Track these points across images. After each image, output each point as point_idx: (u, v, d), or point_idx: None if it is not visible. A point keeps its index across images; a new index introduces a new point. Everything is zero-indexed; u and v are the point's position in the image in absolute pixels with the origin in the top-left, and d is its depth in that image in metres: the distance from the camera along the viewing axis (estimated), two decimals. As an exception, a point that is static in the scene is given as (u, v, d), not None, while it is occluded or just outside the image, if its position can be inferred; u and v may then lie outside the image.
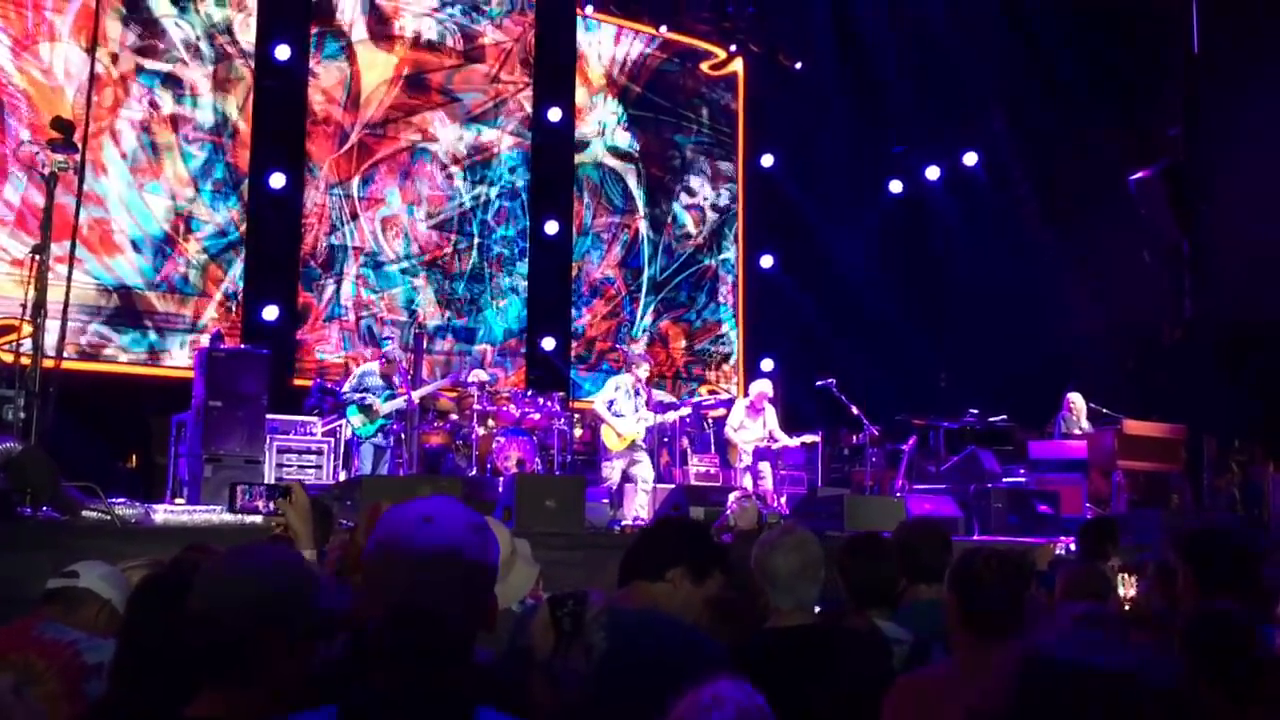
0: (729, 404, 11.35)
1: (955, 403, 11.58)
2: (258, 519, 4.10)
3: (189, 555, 3.06)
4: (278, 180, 11.79)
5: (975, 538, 8.77)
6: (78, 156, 7.40)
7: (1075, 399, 10.84)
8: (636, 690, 2.23)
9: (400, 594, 1.61)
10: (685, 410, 11.18)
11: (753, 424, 10.34)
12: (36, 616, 2.96)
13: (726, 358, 15.15)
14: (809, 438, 10.78)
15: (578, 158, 14.24)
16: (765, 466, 10.39)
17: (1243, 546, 3.11)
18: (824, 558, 2.98)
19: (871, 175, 15.07)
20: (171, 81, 11.45)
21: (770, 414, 10.43)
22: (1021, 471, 10.91)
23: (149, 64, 11.34)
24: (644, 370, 10.03)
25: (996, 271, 13.31)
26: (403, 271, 12.74)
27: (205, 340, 10.32)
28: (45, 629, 2.85)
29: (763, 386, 10.54)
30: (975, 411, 11.17)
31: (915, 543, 3.46)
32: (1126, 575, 3.47)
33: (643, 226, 14.64)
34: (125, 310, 11.07)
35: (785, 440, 10.43)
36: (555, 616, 2.08)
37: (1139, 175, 12.32)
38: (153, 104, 11.33)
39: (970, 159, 14.42)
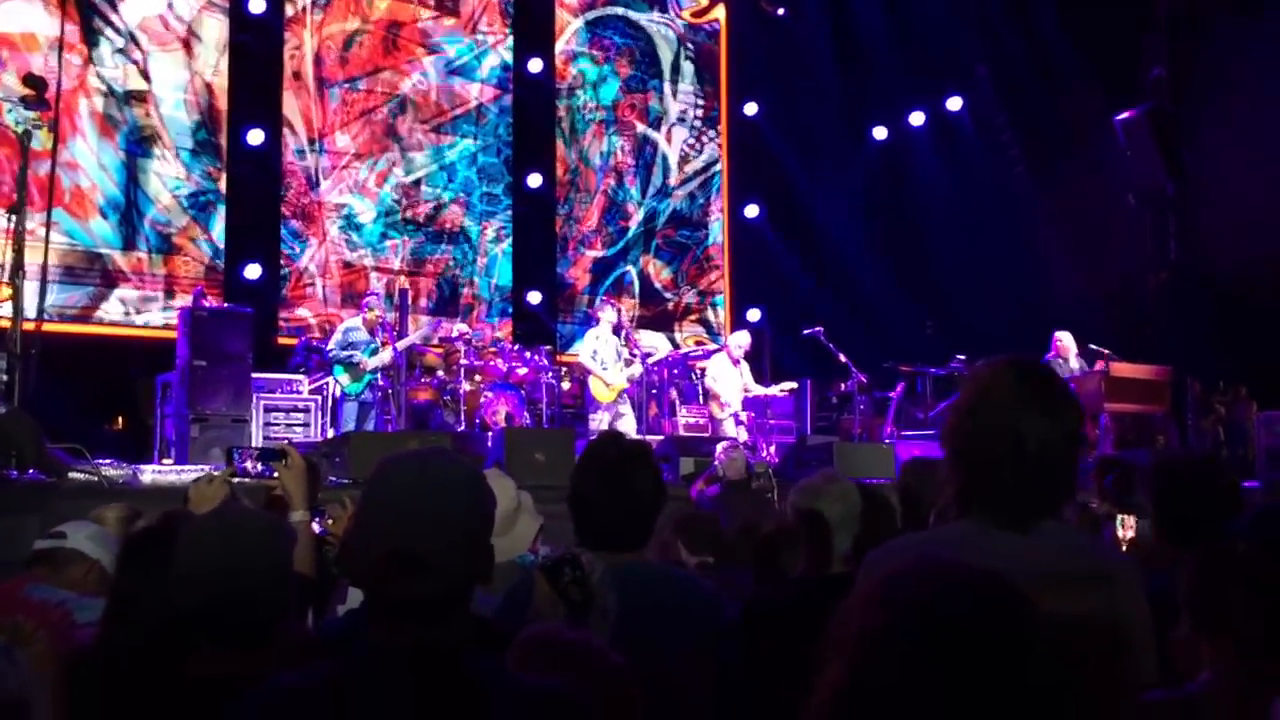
0: (714, 354, 11.36)
1: (942, 349, 11.57)
2: (249, 480, 4.09)
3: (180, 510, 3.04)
4: (256, 137, 11.63)
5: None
6: (50, 114, 7.29)
7: (1063, 337, 10.81)
8: (656, 641, 2.22)
9: (392, 541, 1.58)
10: (663, 354, 11.25)
11: (732, 374, 10.37)
12: (25, 578, 2.96)
13: (712, 303, 15.09)
14: (788, 385, 10.79)
15: (560, 108, 14.09)
16: (744, 415, 10.45)
17: (1211, 483, 3.03)
18: (866, 510, 2.92)
19: (855, 122, 14.96)
20: (145, 37, 11.24)
21: (745, 365, 10.47)
22: (1009, 416, 10.92)
23: (121, 19, 11.13)
24: (610, 313, 10.19)
25: (981, 217, 13.28)
26: (385, 228, 12.63)
27: (186, 300, 10.26)
28: (34, 590, 2.85)
29: (741, 339, 10.57)
30: (962, 358, 11.15)
31: (919, 488, 3.29)
32: (1125, 516, 3.45)
33: (626, 176, 14.52)
34: (105, 271, 10.95)
35: (758, 389, 10.48)
36: (559, 588, 2.01)
37: (1124, 116, 12.26)
38: (125, 60, 11.14)
39: (954, 104, 14.32)
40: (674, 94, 14.99)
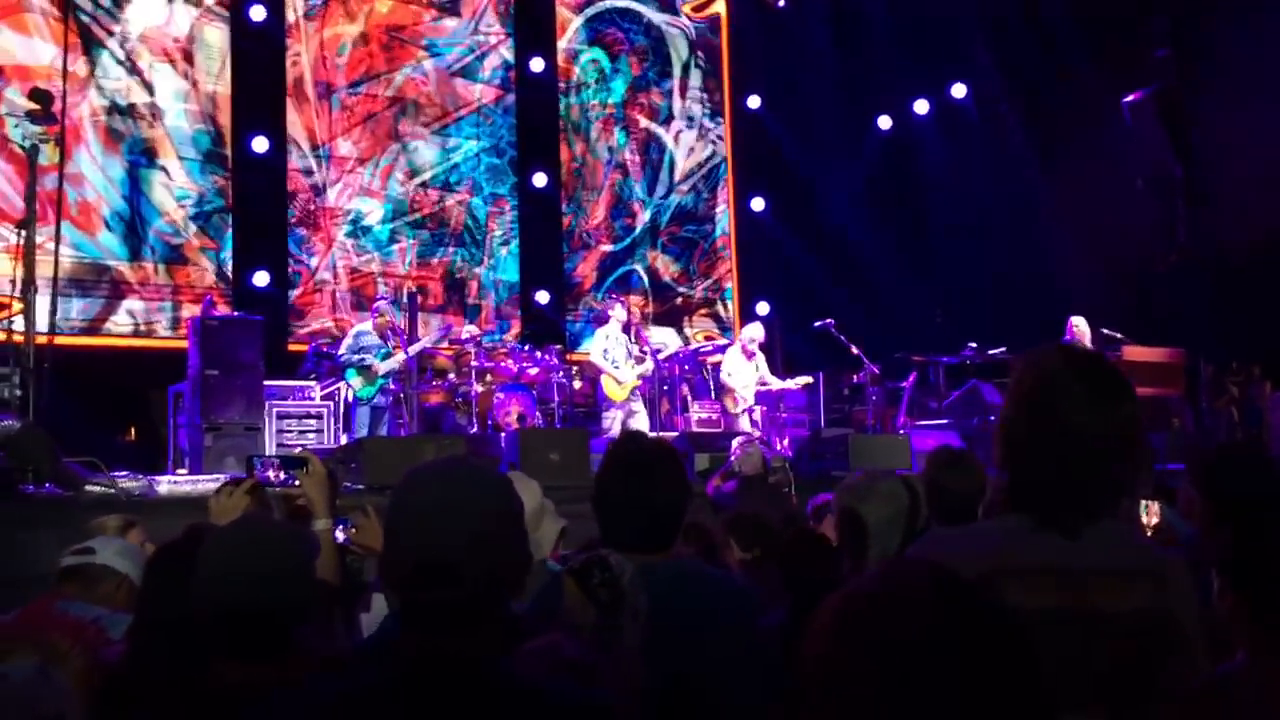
0: (725, 350, 11.34)
1: (953, 338, 11.55)
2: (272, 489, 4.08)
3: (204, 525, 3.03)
4: (260, 144, 11.63)
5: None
6: (56, 128, 7.29)
7: (1079, 322, 10.76)
8: (689, 641, 2.22)
9: (420, 550, 1.58)
10: (674, 350, 11.26)
11: (747, 368, 10.36)
12: (55, 595, 2.93)
13: (721, 297, 15.06)
14: (803, 379, 10.78)
15: (563, 107, 14.07)
16: (758, 410, 10.44)
17: (1259, 472, 3.05)
18: (911, 506, 2.86)
19: (859, 112, 14.92)
20: (146, 49, 11.24)
21: (760, 359, 10.46)
22: (1022, 403, 10.85)
23: (122, 33, 11.13)
24: (620, 312, 10.20)
25: (988, 203, 13.23)
26: (391, 232, 12.62)
27: (196, 309, 10.27)
28: (66, 607, 2.83)
29: (754, 332, 10.55)
30: (974, 345, 11.13)
31: (944, 479, 3.17)
32: (1149, 503, 3.41)
33: (633, 172, 14.49)
34: (113, 282, 10.96)
35: (776, 383, 10.47)
36: (588, 590, 1.99)
37: (1131, 98, 12.21)
38: (128, 73, 11.14)
39: (959, 90, 14.28)
40: (683, 95, 14.95)
